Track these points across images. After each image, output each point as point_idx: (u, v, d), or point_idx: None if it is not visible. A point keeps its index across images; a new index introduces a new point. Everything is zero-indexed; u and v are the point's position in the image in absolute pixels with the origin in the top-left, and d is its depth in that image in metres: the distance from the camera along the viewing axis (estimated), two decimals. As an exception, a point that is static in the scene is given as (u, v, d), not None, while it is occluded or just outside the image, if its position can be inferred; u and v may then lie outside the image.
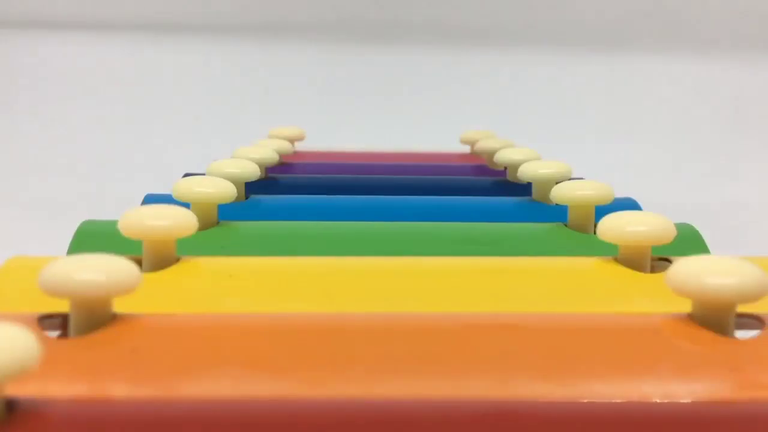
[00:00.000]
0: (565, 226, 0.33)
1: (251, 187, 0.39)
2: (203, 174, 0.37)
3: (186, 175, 0.41)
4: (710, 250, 0.31)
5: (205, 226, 0.31)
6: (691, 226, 0.32)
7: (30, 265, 0.25)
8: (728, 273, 0.21)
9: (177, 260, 0.27)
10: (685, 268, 0.21)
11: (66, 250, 0.31)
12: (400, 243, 0.32)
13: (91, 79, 0.90)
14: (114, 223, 0.27)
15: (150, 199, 0.38)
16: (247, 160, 0.38)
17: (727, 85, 0.91)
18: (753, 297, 0.21)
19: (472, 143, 0.56)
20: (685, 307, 0.22)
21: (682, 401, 0.19)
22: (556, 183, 0.35)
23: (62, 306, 0.21)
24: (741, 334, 0.21)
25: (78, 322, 0.20)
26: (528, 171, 0.39)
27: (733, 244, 0.30)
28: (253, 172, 0.37)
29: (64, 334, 0.22)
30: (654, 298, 0.25)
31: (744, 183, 0.74)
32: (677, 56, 0.93)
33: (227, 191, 0.32)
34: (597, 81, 0.91)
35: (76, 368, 0.19)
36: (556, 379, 0.19)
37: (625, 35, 0.93)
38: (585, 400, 0.19)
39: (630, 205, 0.38)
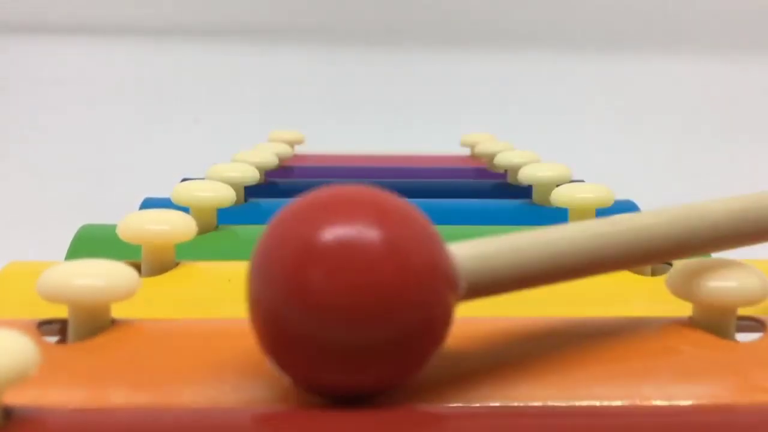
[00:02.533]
0: (566, 229, 0.33)
1: (250, 191, 0.38)
2: (202, 178, 0.37)
3: (184, 179, 0.41)
4: (710, 253, 0.31)
5: (204, 230, 0.31)
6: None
7: (28, 270, 0.25)
8: (729, 276, 0.21)
9: (176, 265, 0.27)
10: (685, 271, 0.21)
11: (65, 255, 0.31)
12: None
13: (89, 82, 0.90)
14: (113, 227, 0.27)
15: (148, 203, 0.38)
16: (247, 164, 0.38)
17: (727, 85, 0.91)
18: (754, 300, 0.20)
19: (472, 146, 0.56)
20: (686, 310, 0.21)
21: (683, 405, 0.18)
22: (557, 186, 0.35)
23: (61, 311, 0.21)
24: (742, 337, 0.21)
25: (76, 327, 0.20)
26: (528, 174, 0.39)
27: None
28: (253, 176, 0.37)
29: (63, 339, 0.22)
30: (655, 301, 0.25)
31: (745, 185, 0.74)
32: (677, 56, 0.93)
33: (226, 195, 0.32)
34: (597, 82, 0.91)
35: (74, 374, 0.19)
36: (556, 382, 0.19)
37: (625, 35, 0.93)
38: (586, 404, 0.18)
39: (630, 207, 0.38)
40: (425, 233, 0.17)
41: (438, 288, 0.17)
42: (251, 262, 0.17)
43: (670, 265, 0.27)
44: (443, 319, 0.17)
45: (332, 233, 0.16)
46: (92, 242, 0.31)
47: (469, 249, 0.19)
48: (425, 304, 0.17)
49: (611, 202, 0.33)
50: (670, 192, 0.65)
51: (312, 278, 0.16)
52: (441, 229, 0.33)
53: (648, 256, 0.21)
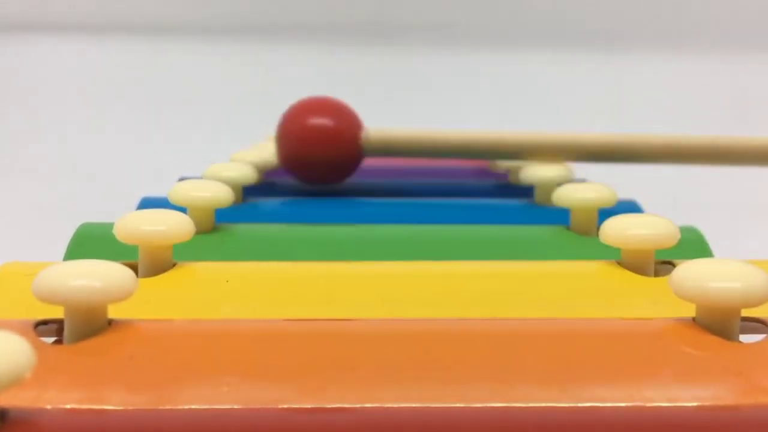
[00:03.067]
0: (568, 229, 0.33)
1: (249, 191, 0.38)
2: (200, 178, 0.37)
3: (182, 178, 0.41)
4: (714, 253, 0.31)
5: (202, 230, 0.31)
6: (695, 229, 0.32)
7: (25, 271, 0.25)
8: (732, 277, 0.21)
9: (173, 265, 0.27)
10: (688, 272, 0.21)
11: (63, 253, 0.31)
12: (400, 246, 0.32)
13: (87, 81, 0.90)
14: (113, 225, 0.27)
15: (146, 203, 0.37)
16: (245, 163, 0.38)
17: (727, 85, 0.91)
18: (758, 301, 0.20)
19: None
20: (689, 311, 0.21)
21: (686, 406, 0.18)
22: (558, 185, 0.34)
23: (58, 311, 0.21)
24: (746, 339, 0.21)
25: (73, 328, 0.20)
26: (529, 174, 0.39)
27: (737, 247, 0.29)
28: (251, 175, 0.37)
29: (60, 340, 0.22)
30: (658, 302, 0.25)
31: (747, 185, 0.74)
32: (677, 56, 0.93)
33: (224, 195, 0.32)
34: (597, 81, 0.91)
35: (71, 375, 0.19)
36: (559, 384, 0.19)
37: (625, 35, 0.94)
38: (588, 405, 0.18)
39: (632, 207, 0.38)
40: (348, 112, 0.42)
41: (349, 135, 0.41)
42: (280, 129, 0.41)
43: (673, 265, 0.27)
44: (356, 153, 0.41)
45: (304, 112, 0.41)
46: (92, 240, 0.31)
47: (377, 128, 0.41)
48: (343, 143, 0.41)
49: (613, 203, 0.33)
50: (671, 191, 0.65)
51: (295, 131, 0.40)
52: (441, 229, 0.33)
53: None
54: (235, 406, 0.18)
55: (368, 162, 0.54)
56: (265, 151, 0.44)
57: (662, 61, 0.92)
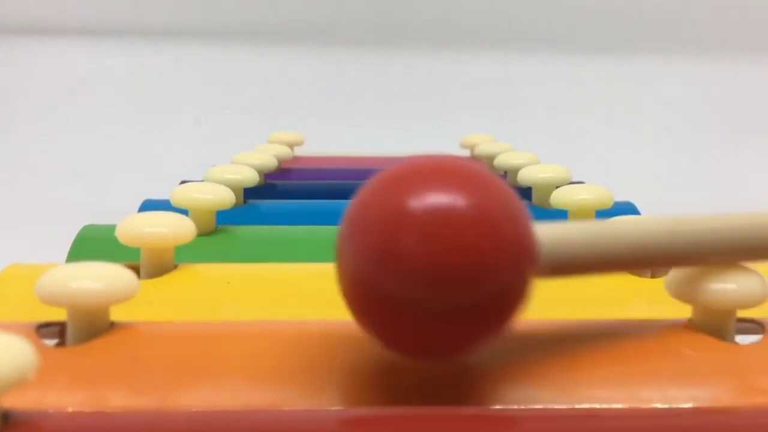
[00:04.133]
0: (565, 230, 0.33)
1: (249, 193, 0.38)
2: (201, 180, 0.37)
3: (183, 181, 0.41)
4: None
5: (203, 231, 0.31)
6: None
7: (28, 273, 0.25)
8: (728, 279, 0.21)
9: (175, 267, 0.27)
10: (684, 273, 0.21)
11: (66, 255, 0.31)
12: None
13: (89, 84, 0.90)
14: (115, 227, 0.27)
15: (148, 205, 0.38)
16: (246, 165, 0.38)
17: (727, 86, 0.91)
18: (753, 302, 0.20)
19: (471, 147, 0.56)
20: (686, 312, 0.21)
21: (682, 407, 0.18)
22: (556, 187, 0.35)
23: (61, 314, 0.21)
24: (741, 339, 0.21)
25: (75, 330, 0.20)
26: (528, 175, 0.39)
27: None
28: (252, 178, 0.37)
29: (62, 342, 0.22)
30: (654, 303, 0.25)
31: (744, 186, 0.75)
32: (677, 57, 0.93)
33: (226, 197, 0.32)
34: (597, 83, 0.92)
35: (73, 377, 0.19)
36: (556, 385, 0.19)
37: (625, 36, 0.94)
38: (586, 406, 0.18)
39: (629, 209, 0.38)
40: (513, 206, 0.18)
41: (520, 260, 0.17)
42: (341, 229, 0.18)
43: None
44: (522, 290, 0.18)
45: (424, 201, 0.17)
46: (94, 242, 0.31)
47: (551, 229, 0.19)
48: (508, 273, 0.17)
49: (611, 204, 0.33)
50: (669, 193, 0.65)
51: (404, 244, 0.16)
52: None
53: (716, 256, 0.22)
54: (237, 407, 0.18)
55: (364, 163, 0.54)
56: (266, 153, 0.44)
57: (663, 62, 0.93)
